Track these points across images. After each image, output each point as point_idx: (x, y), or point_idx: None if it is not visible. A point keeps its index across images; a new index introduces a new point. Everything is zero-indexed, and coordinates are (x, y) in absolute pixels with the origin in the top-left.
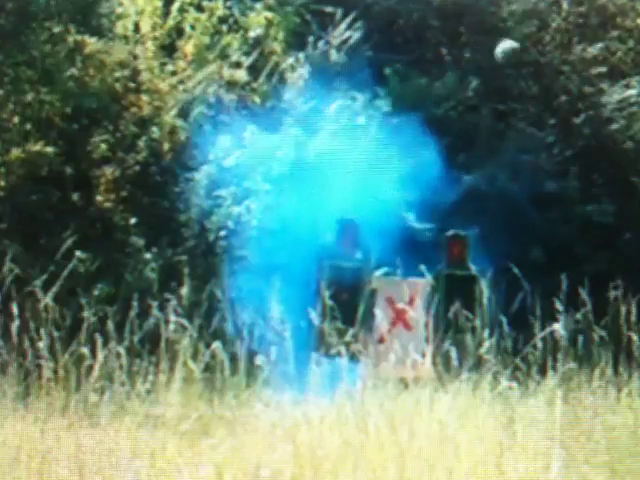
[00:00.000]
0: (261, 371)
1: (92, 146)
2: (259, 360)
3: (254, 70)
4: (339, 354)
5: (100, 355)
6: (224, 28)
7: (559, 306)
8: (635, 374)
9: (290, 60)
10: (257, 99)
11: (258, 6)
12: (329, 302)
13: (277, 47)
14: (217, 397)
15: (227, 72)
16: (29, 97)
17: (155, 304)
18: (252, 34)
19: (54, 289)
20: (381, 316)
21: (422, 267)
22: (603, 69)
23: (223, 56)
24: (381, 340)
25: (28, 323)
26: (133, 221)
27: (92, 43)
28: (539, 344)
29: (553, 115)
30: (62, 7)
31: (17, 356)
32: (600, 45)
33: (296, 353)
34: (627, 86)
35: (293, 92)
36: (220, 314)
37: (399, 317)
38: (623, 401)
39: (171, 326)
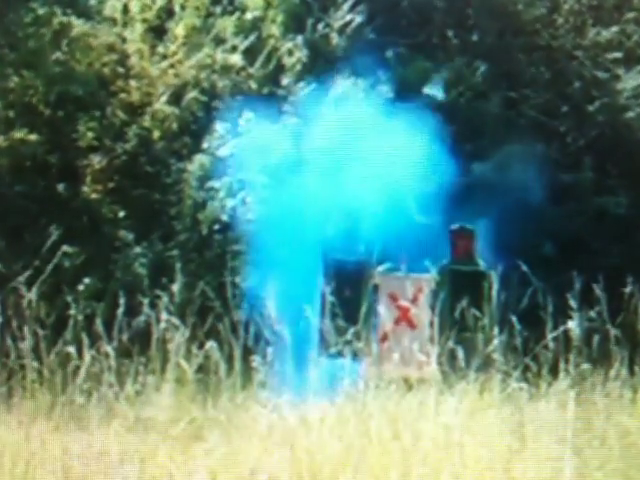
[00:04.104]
0: (258, 372)
1: (78, 134)
2: (255, 360)
3: (250, 54)
4: (340, 353)
5: (87, 355)
6: (218, 10)
7: (572, 303)
8: None
9: (289, 44)
10: (253, 85)
11: None
12: (330, 298)
13: (275, 30)
14: (211, 399)
15: (221, 56)
16: (12, 82)
17: (145, 301)
18: (249, 16)
19: (38, 285)
20: (384, 314)
21: (427, 262)
22: (618, 54)
23: (217, 39)
24: (384, 339)
25: (11, 321)
26: (122, 214)
27: (78, 25)
28: (551, 343)
29: (566, 102)
30: None
31: None
32: (615, 28)
33: (294, 353)
34: None
35: (291, 78)
36: (214, 312)
37: (403, 315)
38: (639, 403)
39: (162, 324)
